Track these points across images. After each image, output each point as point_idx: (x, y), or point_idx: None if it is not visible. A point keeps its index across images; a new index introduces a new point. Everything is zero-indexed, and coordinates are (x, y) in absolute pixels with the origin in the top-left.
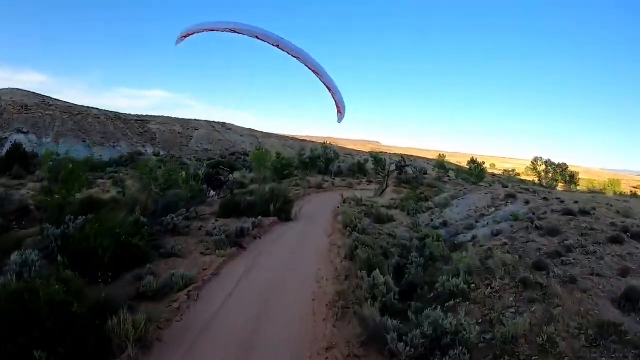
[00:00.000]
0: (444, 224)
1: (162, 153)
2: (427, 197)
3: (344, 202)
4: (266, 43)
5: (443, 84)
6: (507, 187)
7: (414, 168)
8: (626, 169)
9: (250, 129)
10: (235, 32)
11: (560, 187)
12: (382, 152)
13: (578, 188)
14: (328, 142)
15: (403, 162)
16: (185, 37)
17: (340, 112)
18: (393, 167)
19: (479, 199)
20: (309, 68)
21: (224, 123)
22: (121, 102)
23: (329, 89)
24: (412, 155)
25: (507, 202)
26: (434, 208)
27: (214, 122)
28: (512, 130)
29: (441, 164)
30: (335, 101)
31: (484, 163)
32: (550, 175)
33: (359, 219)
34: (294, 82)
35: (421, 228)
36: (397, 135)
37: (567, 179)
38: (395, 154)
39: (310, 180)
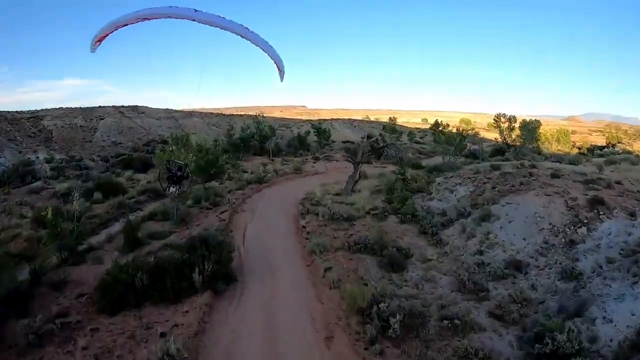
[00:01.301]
0: (516, 267)
1: (57, 157)
2: (420, 187)
3: (307, 211)
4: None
5: (360, 37)
6: (558, 176)
7: (397, 148)
8: (548, 114)
9: (167, 109)
10: (147, 19)
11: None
12: (321, 120)
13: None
14: (259, 114)
15: (381, 142)
16: (99, 41)
17: (280, 69)
18: (367, 147)
19: (542, 205)
20: (235, 33)
21: (136, 106)
22: (37, 95)
23: (264, 50)
24: (341, 119)
25: (599, 214)
26: (465, 220)
27: (123, 107)
28: (431, 81)
29: (392, 128)
30: (272, 59)
31: (447, 125)
32: (516, 133)
33: (378, 294)
34: (211, 51)
35: (482, 281)
36: (321, 97)
37: (526, 133)
38: (335, 119)
39: (246, 167)
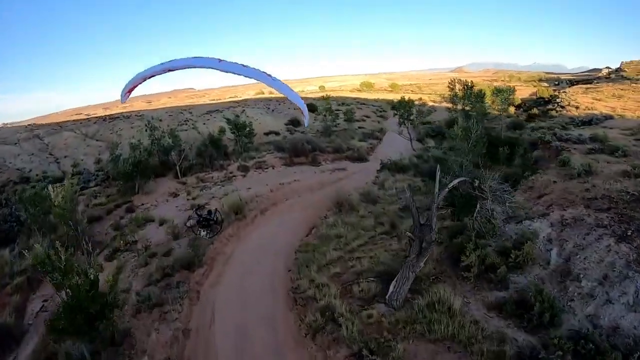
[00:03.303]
0: None
1: None
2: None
3: None
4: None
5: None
6: None
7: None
8: (435, 67)
9: (28, 126)
10: (172, 70)
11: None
12: (234, 104)
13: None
14: (147, 109)
15: (475, 182)
16: (129, 91)
17: (304, 113)
18: (441, 187)
19: None
20: (258, 80)
21: None
22: None
23: (286, 96)
24: (236, 98)
25: None
26: None
27: None
28: (310, 46)
29: (328, 108)
30: (296, 104)
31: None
32: (459, 95)
33: None
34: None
35: None
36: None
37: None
38: (234, 100)
39: (147, 214)
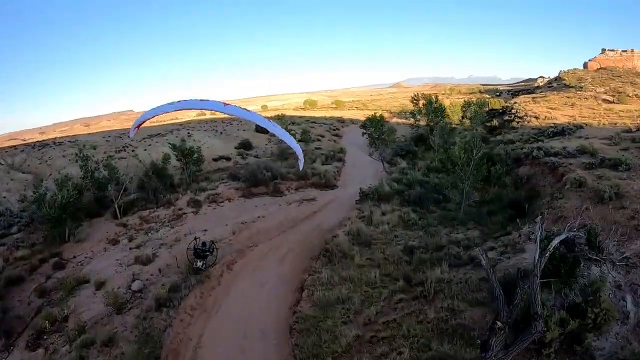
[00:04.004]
0: None
1: None
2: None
3: None
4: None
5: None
6: None
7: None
8: (374, 84)
9: None
10: (179, 110)
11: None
12: (177, 126)
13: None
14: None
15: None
16: (138, 127)
17: (299, 159)
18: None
19: None
20: (258, 124)
21: None
22: None
23: (284, 141)
24: (177, 120)
25: None
26: None
27: None
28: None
29: (284, 129)
30: (293, 149)
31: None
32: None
33: None
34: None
35: None
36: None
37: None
38: (176, 122)
39: (78, 271)
